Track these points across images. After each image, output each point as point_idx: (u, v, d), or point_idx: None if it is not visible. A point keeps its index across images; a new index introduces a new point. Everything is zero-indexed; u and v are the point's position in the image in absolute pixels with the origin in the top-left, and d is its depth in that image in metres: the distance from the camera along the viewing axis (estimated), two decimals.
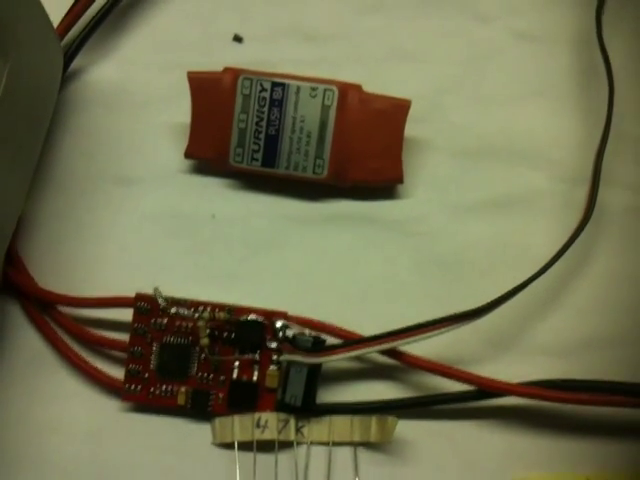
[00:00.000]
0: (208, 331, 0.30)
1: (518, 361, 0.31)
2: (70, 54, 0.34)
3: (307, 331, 0.30)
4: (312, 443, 0.30)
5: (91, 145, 0.34)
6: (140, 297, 0.30)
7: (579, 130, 0.33)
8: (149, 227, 0.33)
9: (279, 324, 0.30)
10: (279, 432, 0.30)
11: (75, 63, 0.34)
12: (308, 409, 0.30)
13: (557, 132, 0.33)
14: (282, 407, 0.30)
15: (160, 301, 0.30)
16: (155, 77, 0.34)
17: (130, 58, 0.35)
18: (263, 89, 0.31)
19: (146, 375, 0.30)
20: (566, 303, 0.32)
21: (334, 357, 0.29)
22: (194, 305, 0.30)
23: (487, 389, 0.29)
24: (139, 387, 0.30)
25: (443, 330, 0.29)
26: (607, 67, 0.32)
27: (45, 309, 0.31)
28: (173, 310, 0.30)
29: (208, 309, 0.30)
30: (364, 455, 0.30)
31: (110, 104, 0.34)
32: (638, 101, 0.34)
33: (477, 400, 0.30)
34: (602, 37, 0.33)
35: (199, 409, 0.30)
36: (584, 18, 0.34)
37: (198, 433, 0.30)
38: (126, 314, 0.31)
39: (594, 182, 0.32)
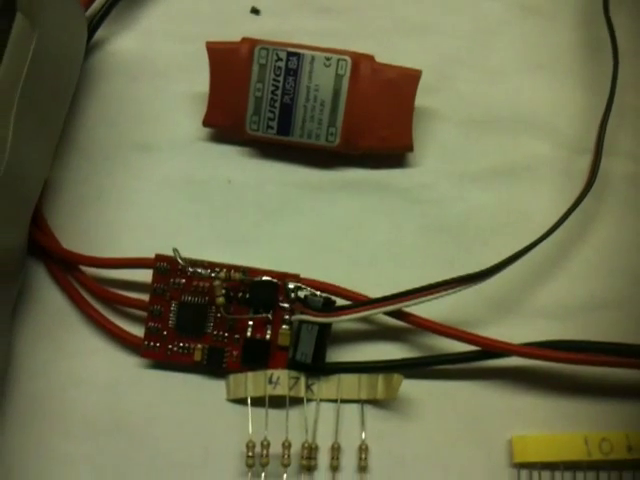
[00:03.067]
0: (224, 291, 0.31)
1: (520, 323, 0.32)
2: (94, 25, 0.35)
3: (318, 293, 0.31)
4: (321, 400, 0.31)
5: (113, 113, 0.35)
6: (160, 258, 0.32)
7: (583, 101, 0.34)
8: (168, 192, 0.34)
9: (291, 285, 0.31)
10: (290, 388, 0.31)
11: (98, 34, 0.35)
12: (318, 367, 0.31)
13: (561, 103, 0.34)
14: (293, 365, 0.31)
15: (179, 260, 0.31)
16: (175, 48, 0.35)
17: (151, 29, 0.36)
18: (279, 59, 0.32)
19: (164, 333, 0.31)
20: (566, 268, 0.33)
21: (343, 317, 0.30)
22: (211, 266, 0.31)
23: (489, 349, 0.30)
24: (158, 344, 0.31)
25: (448, 292, 0.30)
26: (612, 40, 0.33)
27: (68, 269, 0.33)
28: (191, 270, 0.31)
29: (224, 270, 0.31)
30: (371, 411, 0.31)
31: (131, 74, 0.35)
32: None
33: (479, 360, 0.31)
34: (608, 11, 0.34)
35: (214, 366, 0.31)
36: None
37: (213, 389, 0.32)
38: (145, 275, 0.32)
39: (597, 151, 0.32)
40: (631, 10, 0.35)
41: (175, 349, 0.31)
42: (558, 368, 0.31)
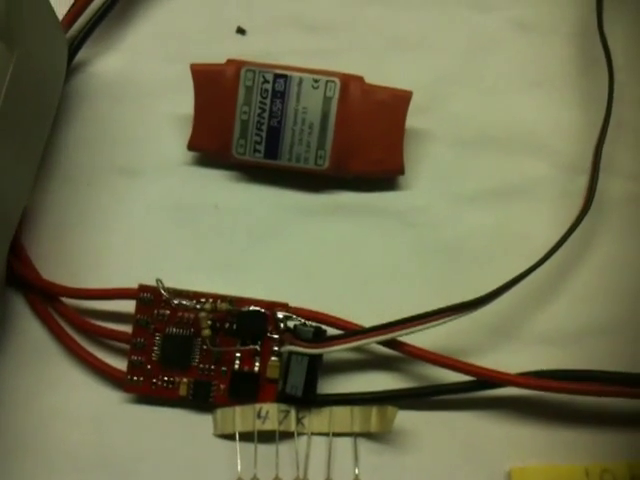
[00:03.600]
0: (210, 322, 0.30)
1: (518, 350, 0.31)
2: (75, 46, 0.34)
3: (308, 322, 0.30)
4: (313, 434, 0.30)
5: (95, 136, 0.34)
6: (143, 288, 0.31)
7: (579, 120, 0.34)
8: (153, 218, 0.33)
9: (280, 315, 0.30)
10: (280, 423, 0.30)
11: (80, 55, 0.34)
12: (309, 400, 0.30)
13: (557, 122, 0.34)
14: (283, 398, 0.30)
15: (163, 292, 0.30)
16: (159, 69, 0.34)
17: (134, 50, 0.35)
18: (265, 81, 0.31)
19: (148, 366, 0.30)
20: (566, 292, 0.32)
21: (335, 348, 0.29)
22: (196, 297, 0.30)
23: (486, 380, 0.29)
24: (141, 378, 0.30)
25: (443, 321, 0.29)
26: (607, 57, 0.32)
27: (49, 301, 0.32)
28: (175, 301, 0.30)
29: (210, 300, 0.30)
30: (364, 445, 0.30)
31: (114, 95, 0.34)
32: (638, 91, 0.34)
33: (476, 391, 0.30)
34: (602, 27, 0.33)
35: (201, 400, 0.30)
36: (584, 8, 0.34)
37: (200, 424, 0.31)
38: (129, 306, 0.31)
39: (594, 171, 0.32)
40: (626, 26, 0.34)
41: (160, 383, 0.30)
42: (557, 397, 0.30)
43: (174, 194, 0.33)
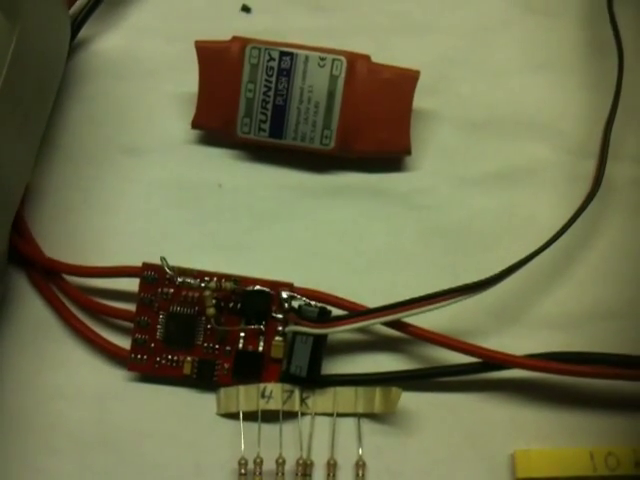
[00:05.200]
0: (214, 301, 0.30)
1: (523, 333, 0.31)
2: (78, 23, 0.34)
3: (313, 302, 0.30)
4: (316, 414, 0.30)
5: (99, 114, 0.34)
6: (147, 266, 0.30)
7: (586, 103, 0.34)
8: (156, 196, 0.33)
9: (285, 295, 0.30)
10: (284, 402, 0.30)
11: (83, 32, 0.34)
12: (313, 380, 0.30)
13: (564, 104, 0.34)
14: (287, 378, 0.30)
15: (167, 270, 0.30)
16: (163, 46, 0.34)
17: (137, 27, 0.35)
18: (271, 58, 0.31)
19: (152, 345, 0.30)
20: (571, 276, 0.32)
21: (339, 328, 0.29)
22: (200, 275, 0.30)
23: (491, 361, 0.29)
24: (145, 357, 0.30)
25: (447, 302, 0.29)
26: (617, 40, 0.32)
27: (51, 278, 0.32)
28: (180, 280, 0.30)
29: (214, 279, 0.30)
30: (368, 426, 0.30)
31: (117, 73, 0.34)
32: None
33: (481, 372, 0.30)
34: (612, 10, 0.33)
35: (204, 379, 0.30)
36: None
37: (203, 403, 0.31)
38: (132, 284, 0.31)
39: (602, 155, 0.32)
40: (636, 8, 0.34)
41: (163, 362, 0.30)
42: (562, 380, 0.30)
43: (177, 173, 0.33)
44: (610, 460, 0.29)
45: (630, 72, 0.32)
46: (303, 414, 0.30)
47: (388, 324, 0.30)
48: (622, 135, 0.33)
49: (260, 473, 0.29)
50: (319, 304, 0.30)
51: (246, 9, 0.35)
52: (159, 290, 0.30)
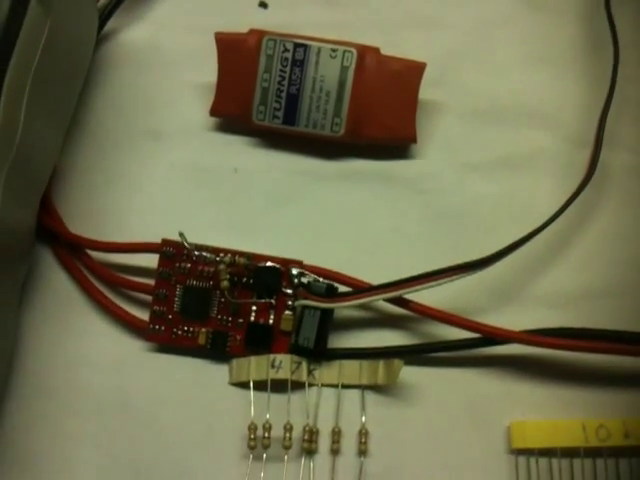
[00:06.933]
0: (228, 276, 0.31)
1: (520, 311, 0.32)
2: (105, 16, 0.36)
3: (321, 279, 0.32)
4: (323, 385, 0.32)
5: (123, 101, 0.35)
6: (166, 242, 0.32)
7: (585, 94, 0.35)
8: (175, 179, 0.34)
9: (295, 271, 0.32)
10: (292, 373, 0.31)
11: (109, 24, 0.36)
12: (319, 352, 0.31)
13: (563, 96, 0.35)
14: (295, 350, 0.32)
15: (185, 244, 0.31)
16: (184, 38, 0.36)
17: (161, 20, 0.37)
18: (286, 50, 0.33)
19: (169, 316, 0.32)
20: (567, 257, 0.33)
21: (345, 303, 0.31)
22: (216, 251, 0.32)
23: (490, 336, 0.31)
24: (163, 327, 0.32)
25: (448, 279, 0.30)
26: (613, 35, 0.34)
27: (75, 253, 0.33)
28: (197, 253, 0.32)
29: (229, 255, 0.32)
30: (371, 397, 0.32)
31: (141, 64, 0.36)
32: None
33: (479, 347, 0.31)
34: (610, 6, 0.34)
35: (218, 349, 0.32)
36: None
37: (216, 372, 0.32)
38: (151, 261, 0.32)
39: (597, 142, 0.33)
40: (631, 5, 0.36)
41: (180, 332, 0.32)
42: (557, 355, 0.32)
43: (196, 157, 0.35)
44: (601, 432, 0.30)
45: (625, 65, 0.34)
46: (310, 385, 0.32)
47: (391, 301, 0.31)
48: (617, 125, 0.34)
49: (268, 437, 0.30)
50: (327, 281, 0.32)
51: (263, 5, 0.36)
52: (177, 265, 0.32)
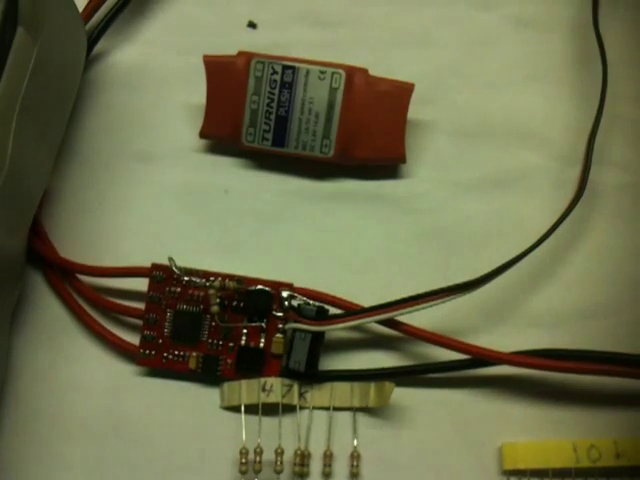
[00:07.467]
0: (218, 300, 0.31)
1: (511, 332, 0.32)
2: (94, 37, 0.36)
3: (311, 301, 0.32)
4: (314, 408, 0.32)
5: (113, 122, 0.35)
6: (156, 267, 0.32)
7: (573, 113, 0.35)
8: (166, 201, 0.34)
9: (285, 294, 0.32)
10: (283, 396, 0.31)
11: (99, 46, 0.36)
12: (311, 375, 0.31)
13: (552, 114, 0.35)
14: (286, 373, 0.32)
15: (174, 269, 0.31)
16: (173, 60, 0.36)
17: (150, 41, 0.36)
18: (274, 72, 0.33)
19: (160, 341, 0.32)
20: (558, 277, 0.33)
21: (336, 326, 0.31)
22: (206, 275, 0.32)
23: (480, 358, 0.31)
24: (153, 352, 0.32)
25: (439, 301, 0.30)
26: (602, 53, 0.34)
27: (66, 277, 0.33)
28: (186, 278, 0.32)
29: (219, 279, 0.32)
30: (363, 419, 0.32)
31: (131, 85, 0.36)
32: (630, 85, 0.35)
33: (470, 368, 0.31)
34: (598, 24, 0.34)
35: (209, 373, 0.32)
36: (580, 6, 0.36)
37: (208, 396, 0.32)
38: (141, 284, 0.32)
39: (586, 161, 0.33)
40: (621, 23, 0.36)
41: (170, 357, 0.32)
42: (547, 376, 0.32)
43: (186, 178, 0.35)
44: (592, 452, 0.30)
45: (614, 83, 0.34)
46: (301, 408, 0.32)
47: (382, 322, 0.31)
48: (606, 143, 0.34)
49: (260, 462, 0.30)
50: (317, 303, 0.32)
51: (252, 25, 0.36)
52: (167, 289, 0.32)
